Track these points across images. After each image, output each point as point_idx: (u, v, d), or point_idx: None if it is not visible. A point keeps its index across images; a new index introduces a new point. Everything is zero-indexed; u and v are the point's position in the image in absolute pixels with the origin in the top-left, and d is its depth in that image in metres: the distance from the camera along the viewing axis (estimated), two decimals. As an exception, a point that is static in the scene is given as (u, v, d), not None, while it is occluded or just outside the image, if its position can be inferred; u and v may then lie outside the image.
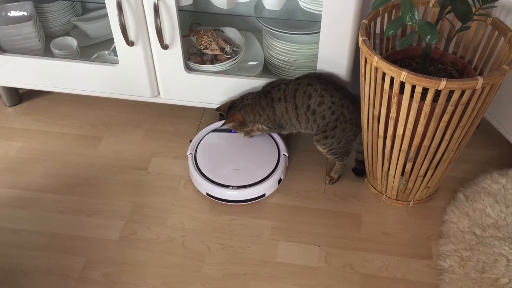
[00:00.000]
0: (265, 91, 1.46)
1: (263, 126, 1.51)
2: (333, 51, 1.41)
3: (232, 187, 1.45)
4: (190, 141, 1.59)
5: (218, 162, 1.52)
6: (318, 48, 1.43)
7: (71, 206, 1.49)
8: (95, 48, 1.72)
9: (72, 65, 1.59)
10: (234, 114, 1.50)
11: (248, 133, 1.57)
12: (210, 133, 1.60)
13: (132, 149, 1.67)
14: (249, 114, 1.49)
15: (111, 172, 1.59)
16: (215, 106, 1.62)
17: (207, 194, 1.47)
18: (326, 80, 1.42)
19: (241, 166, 1.50)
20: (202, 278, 1.31)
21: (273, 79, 1.49)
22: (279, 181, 1.50)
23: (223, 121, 1.62)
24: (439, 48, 1.38)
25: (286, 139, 1.66)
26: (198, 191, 1.51)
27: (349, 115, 1.40)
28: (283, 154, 1.53)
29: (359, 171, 1.55)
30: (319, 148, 1.47)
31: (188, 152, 1.55)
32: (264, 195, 1.48)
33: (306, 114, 1.41)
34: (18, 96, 1.85)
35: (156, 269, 1.33)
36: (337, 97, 1.39)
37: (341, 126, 1.40)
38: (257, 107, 1.46)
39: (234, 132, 1.59)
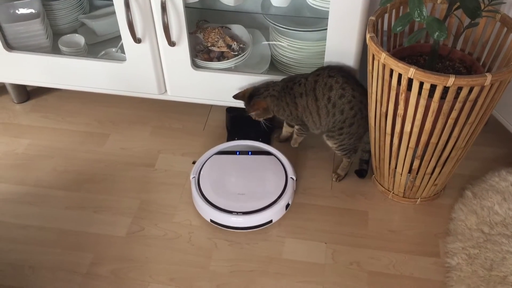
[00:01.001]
0: (288, 87, 1.44)
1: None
2: (340, 48, 1.41)
3: (238, 213, 1.38)
4: (193, 163, 1.54)
5: (222, 186, 1.45)
6: (325, 45, 1.42)
7: (79, 203, 1.49)
8: (102, 46, 1.72)
9: (79, 62, 1.60)
10: (260, 102, 1.47)
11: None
12: (214, 155, 1.54)
13: (139, 146, 1.68)
14: (276, 105, 1.47)
15: (119, 168, 1.60)
16: (222, 103, 1.62)
17: (211, 220, 1.41)
18: (347, 73, 1.40)
19: (247, 191, 1.43)
20: (209, 274, 1.31)
21: (284, 76, 1.49)
22: (287, 206, 1.44)
23: (228, 143, 1.58)
24: (447, 45, 1.37)
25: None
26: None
27: (365, 112, 1.39)
28: (291, 177, 1.47)
29: (361, 172, 1.55)
30: (329, 143, 1.47)
31: (191, 176, 1.49)
32: (271, 221, 1.41)
33: (326, 107, 1.39)
34: (26, 93, 1.86)
35: (163, 266, 1.33)
36: (358, 91, 1.37)
37: (357, 123, 1.40)
38: (283, 102, 1.45)
39: (239, 154, 1.53)
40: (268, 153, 1.54)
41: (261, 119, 1.53)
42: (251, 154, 1.54)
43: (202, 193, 1.43)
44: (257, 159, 1.53)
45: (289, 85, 1.45)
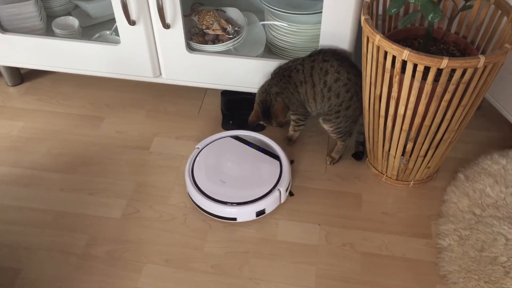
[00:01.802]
0: (285, 76, 1.42)
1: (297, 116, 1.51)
2: (335, 31, 1.41)
3: (208, 197, 1.37)
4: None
5: (212, 167, 1.44)
6: (320, 28, 1.42)
7: (74, 185, 1.50)
8: (96, 28, 1.71)
9: (73, 45, 1.59)
10: (277, 107, 1.44)
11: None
12: (228, 137, 1.52)
13: (134, 129, 1.68)
14: (285, 99, 1.45)
15: (114, 151, 1.60)
16: (217, 87, 1.62)
17: (188, 194, 1.43)
18: (341, 56, 1.39)
19: (229, 181, 1.41)
20: (204, 255, 1.32)
21: (280, 61, 1.48)
22: (260, 213, 1.38)
23: (249, 132, 1.55)
24: (442, 28, 1.37)
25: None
26: (200, 170, 1.51)
27: (361, 94, 1.39)
28: (278, 189, 1.39)
29: (357, 154, 1.56)
30: (326, 126, 1.47)
31: (196, 146, 1.51)
32: (235, 219, 1.37)
33: (322, 92, 1.38)
34: (20, 76, 1.85)
35: (158, 247, 1.34)
36: (353, 74, 1.37)
37: (354, 106, 1.40)
38: (289, 94, 1.43)
39: (251, 146, 1.50)
40: (276, 157, 1.48)
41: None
42: (260, 150, 1.50)
43: (192, 167, 1.45)
44: (262, 158, 1.48)
45: (286, 74, 1.43)
